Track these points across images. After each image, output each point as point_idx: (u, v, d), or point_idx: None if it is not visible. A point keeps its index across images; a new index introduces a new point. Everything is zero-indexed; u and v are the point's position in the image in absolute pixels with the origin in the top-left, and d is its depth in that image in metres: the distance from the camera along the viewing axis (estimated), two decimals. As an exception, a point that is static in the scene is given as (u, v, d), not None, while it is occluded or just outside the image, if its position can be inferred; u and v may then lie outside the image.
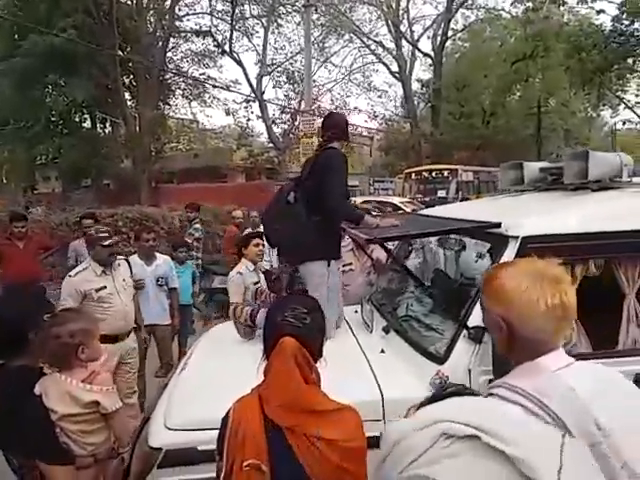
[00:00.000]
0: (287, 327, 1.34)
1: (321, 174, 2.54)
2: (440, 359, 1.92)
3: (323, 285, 2.58)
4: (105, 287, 3.32)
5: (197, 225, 6.58)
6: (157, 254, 4.60)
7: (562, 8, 20.53)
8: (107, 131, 21.47)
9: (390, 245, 3.19)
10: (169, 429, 1.82)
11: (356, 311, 2.82)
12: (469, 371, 1.83)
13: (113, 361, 3.28)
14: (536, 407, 0.93)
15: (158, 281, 4.37)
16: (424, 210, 3.59)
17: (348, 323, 2.70)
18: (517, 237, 1.92)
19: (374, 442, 1.87)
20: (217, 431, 1.35)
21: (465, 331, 1.87)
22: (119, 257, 3.63)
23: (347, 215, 2.62)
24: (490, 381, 1.82)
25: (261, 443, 1.26)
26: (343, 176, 2.58)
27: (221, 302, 6.11)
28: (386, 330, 2.37)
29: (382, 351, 2.21)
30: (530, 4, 19.39)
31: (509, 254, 1.90)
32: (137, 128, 18.71)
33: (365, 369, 2.06)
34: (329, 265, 2.60)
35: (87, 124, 20.67)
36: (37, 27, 14.66)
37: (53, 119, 18.59)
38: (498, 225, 2.00)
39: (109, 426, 1.93)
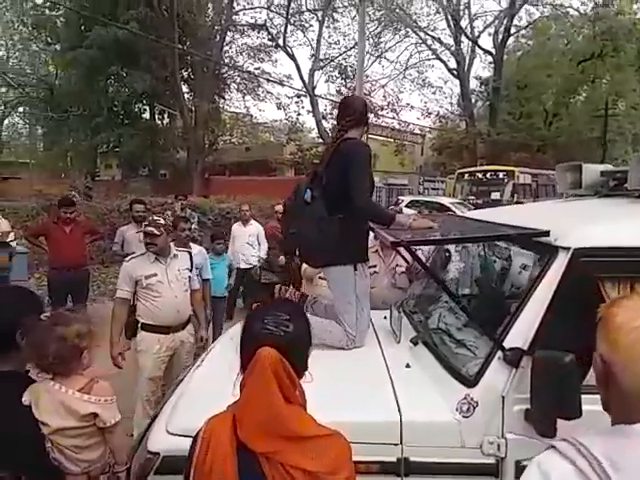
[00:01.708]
0: (266, 336, 1.15)
1: (342, 168, 2.30)
2: (470, 381, 1.70)
3: (351, 291, 2.38)
4: (155, 275, 3.28)
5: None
6: (192, 244, 4.60)
7: (635, 6, 19.22)
8: (164, 122, 22.17)
9: (424, 249, 2.98)
10: (170, 433, 1.69)
11: (385, 317, 2.62)
12: (502, 398, 1.61)
13: (164, 352, 3.28)
14: (593, 474, 0.74)
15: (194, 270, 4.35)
16: (469, 212, 3.32)
17: (375, 330, 2.51)
18: (568, 248, 1.67)
19: (389, 467, 1.71)
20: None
21: (500, 352, 1.64)
22: (179, 249, 3.61)
23: (376, 216, 2.39)
24: (526, 411, 1.59)
25: (230, 471, 1.09)
26: (368, 170, 2.34)
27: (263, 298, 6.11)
28: (414, 342, 2.16)
29: (407, 365, 2.01)
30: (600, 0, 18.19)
31: (557, 268, 1.66)
32: (193, 120, 19.14)
33: (386, 385, 1.87)
34: (356, 269, 2.39)
35: (146, 115, 21.43)
36: (102, 19, 15.25)
37: (115, 109, 19.37)
38: (546, 233, 1.75)
39: (106, 441, 1.77)
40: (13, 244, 6.01)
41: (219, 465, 1.11)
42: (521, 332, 1.64)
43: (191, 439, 1.66)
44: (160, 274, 3.32)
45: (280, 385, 1.10)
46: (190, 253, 3.78)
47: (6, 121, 30.32)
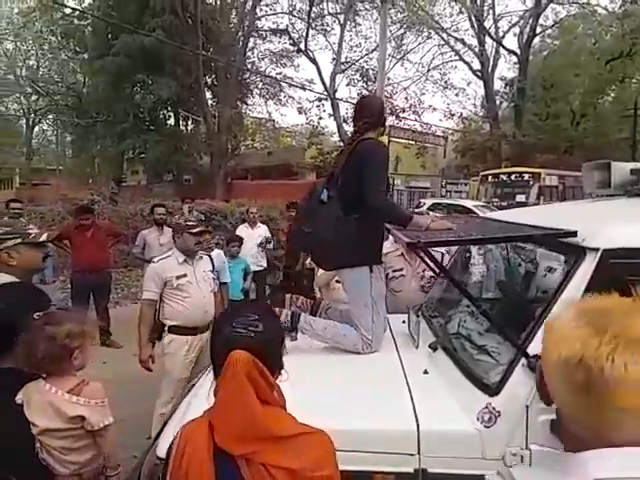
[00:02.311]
0: (236, 339, 1.12)
1: (359, 169, 2.23)
2: (492, 390, 1.61)
3: (366, 294, 2.31)
4: (185, 275, 3.33)
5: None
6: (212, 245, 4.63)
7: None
8: (189, 128, 22.49)
9: (443, 250, 2.88)
10: (180, 438, 1.66)
11: (404, 321, 2.54)
12: (526, 408, 1.52)
13: (192, 353, 3.30)
14: None
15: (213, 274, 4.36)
16: (491, 213, 3.22)
17: (393, 334, 2.43)
18: (597, 249, 1.57)
19: (406, 479, 1.64)
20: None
21: (524, 359, 1.55)
22: (200, 251, 3.65)
23: (392, 216, 2.32)
24: (552, 422, 1.50)
25: (207, 476, 1.07)
26: (384, 171, 2.27)
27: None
28: (433, 347, 2.08)
29: (425, 372, 1.93)
30: (631, -5, 17.67)
31: (585, 270, 1.56)
32: (216, 126, 19.35)
33: (403, 391, 1.80)
34: (372, 271, 2.32)
35: (171, 121, 21.80)
36: (128, 27, 15.57)
37: (141, 116, 19.74)
38: (574, 234, 1.65)
39: (97, 444, 1.73)
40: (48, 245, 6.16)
41: (195, 470, 1.08)
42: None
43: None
44: (189, 275, 3.36)
45: (254, 387, 1.08)
46: (210, 256, 3.81)
47: (36, 128, 31.30)
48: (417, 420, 1.61)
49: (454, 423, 1.61)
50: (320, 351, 2.35)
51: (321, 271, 3.42)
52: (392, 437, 1.60)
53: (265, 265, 6.68)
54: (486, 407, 1.58)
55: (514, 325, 1.72)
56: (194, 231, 3.36)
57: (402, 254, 3.34)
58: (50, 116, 28.08)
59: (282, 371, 1.22)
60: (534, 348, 1.56)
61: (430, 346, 2.10)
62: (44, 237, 2.18)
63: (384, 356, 2.22)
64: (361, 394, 1.79)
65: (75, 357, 1.71)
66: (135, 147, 19.87)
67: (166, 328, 3.28)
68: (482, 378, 1.70)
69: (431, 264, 1.89)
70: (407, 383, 1.86)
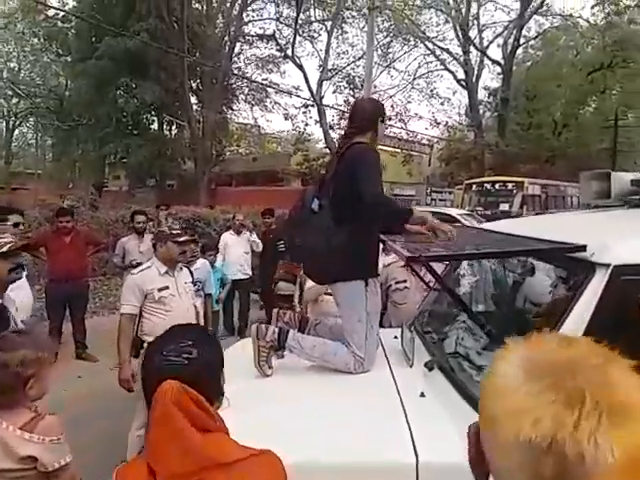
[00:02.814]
0: (166, 368, 1.04)
1: (350, 175, 2.09)
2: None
3: (361, 309, 2.17)
4: (167, 287, 3.14)
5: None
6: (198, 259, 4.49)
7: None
8: (172, 133, 22.21)
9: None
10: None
11: (396, 337, 2.41)
12: (533, 436, 1.40)
13: None
14: None
15: (195, 285, 4.19)
16: (487, 224, 3.12)
17: (385, 352, 2.30)
18: (608, 265, 1.47)
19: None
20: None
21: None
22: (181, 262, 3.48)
23: (392, 211, 2.14)
24: None
25: None
26: (378, 172, 2.13)
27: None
28: (429, 367, 1.95)
29: (422, 394, 1.80)
30: (613, 7, 18.03)
31: (595, 287, 1.45)
32: (200, 131, 19.14)
33: (399, 417, 1.66)
34: (367, 285, 2.19)
35: (154, 126, 21.49)
36: (112, 30, 15.31)
37: (124, 120, 19.41)
38: (582, 248, 1.55)
39: None
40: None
41: None
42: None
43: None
44: (171, 287, 3.18)
45: (189, 417, 0.99)
46: (189, 267, 3.66)
47: (16, 131, 30.60)
48: (416, 451, 1.47)
49: (456, 454, 1.47)
50: (308, 371, 2.21)
51: (310, 284, 3.27)
52: (389, 471, 1.46)
53: (250, 273, 6.53)
54: (490, 435, 1.45)
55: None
56: (180, 240, 3.19)
57: (405, 265, 3.21)
58: (31, 119, 27.52)
59: (223, 398, 1.15)
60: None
61: (426, 365, 1.98)
62: (5, 248, 2.00)
63: (377, 376, 2.08)
64: (352, 421, 1.65)
65: (30, 387, 1.53)
66: (117, 151, 19.49)
67: (145, 345, 3.09)
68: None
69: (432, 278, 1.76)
70: (403, 407, 1.73)
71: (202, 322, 3.78)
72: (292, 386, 2.03)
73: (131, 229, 6.03)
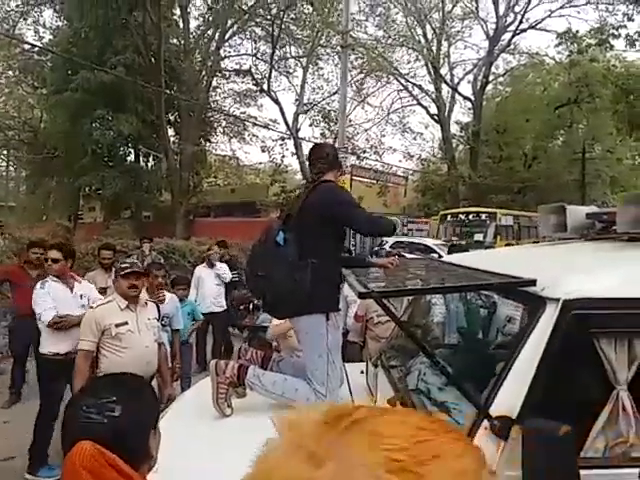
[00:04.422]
0: (83, 426, 0.95)
1: (319, 211, 2.20)
2: (453, 455, 1.47)
3: (322, 344, 2.15)
4: (126, 323, 3.04)
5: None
6: (165, 292, 4.39)
7: (609, 54, 20.11)
8: (149, 165, 22.13)
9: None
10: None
11: (362, 371, 2.38)
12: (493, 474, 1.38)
13: None
14: None
15: (162, 320, 4.09)
16: (448, 256, 3.15)
17: (350, 388, 2.26)
18: (557, 299, 1.49)
19: None
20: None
21: (487, 421, 1.42)
22: (148, 299, 3.42)
23: (383, 228, 2.32)
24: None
25: None
26: (355, 203, 2.27)
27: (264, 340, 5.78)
28: (391, 403, 1.93)
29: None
30: (575, 46, 19.00)
31: (546, 322, 1.47)
32: (178, 163, 19.15)
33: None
34: (328, 319, 2.17)
35: (131, 157, 21.40)
36: (89, 64, 15.40)
37: (99, 151, 19.28)
38: (532, 282, 1.57)
39: None
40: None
41: None
42: (509, 397, 1.43)
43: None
44: (131, 322, 3.08)
45: None
46: (157, 303, 3.57)
47: (-12, 163, 30.15)
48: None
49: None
50: (268, 409, 2.15)
51: (276, 321, 3.23)
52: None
53: (225, 306, 6.43)
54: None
55: (475, 381, 1.60)
56: (122, 273, 3.08)
57: None
58: (4, 151, 27.14)
59: (154, 460, 1.04)
60: (497, 409, 1.43)
61: (389, 402, 1.95)
62: None
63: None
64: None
65: None
66: (93, 183, 19.31)
67: None
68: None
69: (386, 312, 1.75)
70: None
71: (168, 358, 3.68)
72: (247, 430, 1.97)
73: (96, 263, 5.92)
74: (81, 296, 3.91)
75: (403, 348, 2.57)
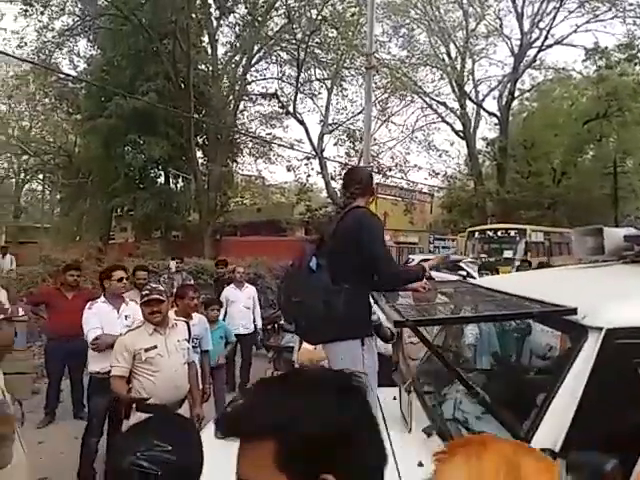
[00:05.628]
0: (135, 475, 0.89)
1: (352, 237, 2.21)
2: (494, 489, 1.43)
3: (358, 369, 2.15)
4: (155, 347, 3.10)
5: None
6: (194, 313, 4.43)
7: (638, 67, 19.72)
8: (179, 186, 22.66)
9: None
10: None
11: (395, 397, 2.35)
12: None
13: None
14: None
15: (192, 342, 4.13)
16: (481, 279, 3.11)
17: (383, 414, 2.22)
18: (600, 329, 1.45)
19: None
20: None
21: (528, 454, 1.38)
22: (177, 318, 3.49)
23: (408, 279, 2.31)
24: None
25: None
26: (383, 237, 2.27)
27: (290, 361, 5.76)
28: (427, 432, 1.90)
29: (420, 464, 1.74)
30: (604, 62, 18.71)
31: (589, 352, 1.43)
32: (206, 184, 19.55)
33: (395, 489, 1.60)
34: (363, 344, 2.17)
35: (161, 179, 21.98)
36: (121, 91, 16.00)
37: (131, 174, 19.89)
38: (573, 311, 1.53)
39: None
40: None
41: None
42: (551, 429, 1.39)
43: None
44: (160, 346, 3.13)
45: None
46: (188, 323, 3.61)
47: (26, 187, 31.36)
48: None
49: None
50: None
51: (305, 345, 3.23)
52: None
53: (253, 328, 6.45)
54: (489, 511, 1.38)
55: (515, 412, 1.57)
56: (142, 301, 3.14)
57: None
58: (40, 175, 28.23)
59: None
60: (539, 441, 1.40)
61: (424, 431, 1.92)
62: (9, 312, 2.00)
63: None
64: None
65: None
66: (124, 205, 19.91)
67: (134, 405, 3.03)
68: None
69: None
70: (399, 478, 1.66)
71: (199, 378, 3.70)
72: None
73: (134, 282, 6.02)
74: (126, 317, 4.03)
75: (436, 373, 2.53)
